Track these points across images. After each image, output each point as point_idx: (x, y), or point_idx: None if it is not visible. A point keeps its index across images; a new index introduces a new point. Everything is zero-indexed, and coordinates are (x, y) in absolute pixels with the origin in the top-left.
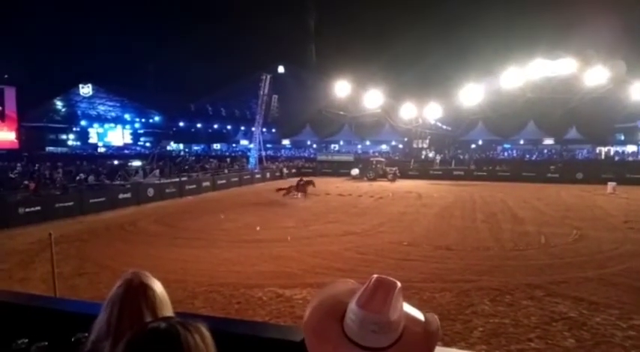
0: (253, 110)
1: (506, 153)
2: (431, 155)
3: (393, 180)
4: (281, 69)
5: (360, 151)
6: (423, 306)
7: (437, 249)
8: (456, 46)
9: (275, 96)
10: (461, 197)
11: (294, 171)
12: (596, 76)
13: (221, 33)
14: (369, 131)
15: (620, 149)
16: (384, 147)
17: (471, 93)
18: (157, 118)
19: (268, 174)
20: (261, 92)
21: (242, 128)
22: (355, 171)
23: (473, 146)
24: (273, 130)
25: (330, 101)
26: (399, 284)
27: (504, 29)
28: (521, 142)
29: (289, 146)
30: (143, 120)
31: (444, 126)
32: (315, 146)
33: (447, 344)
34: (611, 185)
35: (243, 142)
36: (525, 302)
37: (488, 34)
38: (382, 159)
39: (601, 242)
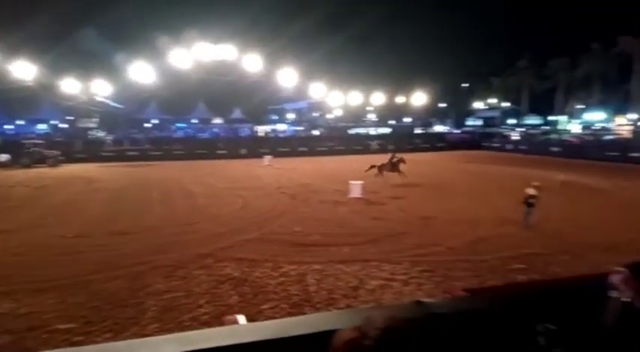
0: None
1: (180, 132)
2: (101, 135)
3: (54, 165)
4: None
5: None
6: (91, 299)
7: (110, 236)
8: (119, 21)
9: None
10: (136, 178)
11: None
12: (253, 62)
13: None
14: (21, 108)
15: (274, 127)
16: (42, 126)
17: (142, 71)
18: None
19: None
20: None
21: None
22: (4, 157)
23: (147, 125)
24: None
25: None
26: None
27: (171, 9)
28: (195, 121)
29: None
30: None
31: (115, 104)
32: None
33: (118, 332)
34: (267, 158)
35: None
36: (197, 272)
37: (152, 14)
38: (40, 142)
39: (260, 207)
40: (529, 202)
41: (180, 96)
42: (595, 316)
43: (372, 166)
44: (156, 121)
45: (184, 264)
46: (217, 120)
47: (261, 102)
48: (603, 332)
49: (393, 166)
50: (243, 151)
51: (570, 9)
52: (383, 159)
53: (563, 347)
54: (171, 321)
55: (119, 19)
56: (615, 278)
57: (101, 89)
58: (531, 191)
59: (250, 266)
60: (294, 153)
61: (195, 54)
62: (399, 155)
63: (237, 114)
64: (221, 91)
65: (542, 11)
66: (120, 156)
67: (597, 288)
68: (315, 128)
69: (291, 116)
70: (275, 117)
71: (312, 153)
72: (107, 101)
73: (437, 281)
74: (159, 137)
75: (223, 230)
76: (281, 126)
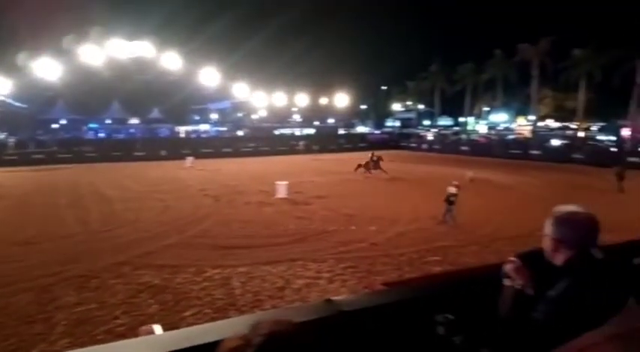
0: None
1: (93, 134)
2: (2, 137)
3: None
4: None
5: None
6: None
7: (14, 246)
8: (22, 14)
9: None
10: (42, 183)
11: None
12: (172, 60)
13: None
14: None
15: (196, 127)
16: None
17: (47, 68)
18: None
19: None
20: None
21: None
22: None
23: (55, 126)
24: None
25: None
26: None
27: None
28: (109, 122)
29: None
30: None
31: (17, 104)
32: None
33: (26, 350)
34: (189, 159)
35: None
36: (112, 282)
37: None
38: None
39: (182, 210)
40: (450, 200)
41: (92, 95)
42: (491, 303)
43: (359, 166)
44: (64, 122)
45: (98, 273)
46: (134, 121)
47: (181, 101)
48: (499, 318)
49: (375, 164)
50: (164, 153)
51: (477, 18)
52: (311, 158)
53: (463, 335)
54: (84, 335)
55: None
56: (508, 268)
57: (0, 87)
58: (452, 190)
59: (171, 272)
60: (217, 155)
61: (109, 50)
62: (377, 153)
63: (155, 113)
64: (137, 90)
65: (452, 19)
66: (24, 160)
67: (495, 278)
68: (239, 128)
69: (214, 116)
70: (197, 117)
71: (236, 154)
72: (8, 100)
73: (360, 277)
74: (68, 138)
75: (142, 236)
76: (204, 127)
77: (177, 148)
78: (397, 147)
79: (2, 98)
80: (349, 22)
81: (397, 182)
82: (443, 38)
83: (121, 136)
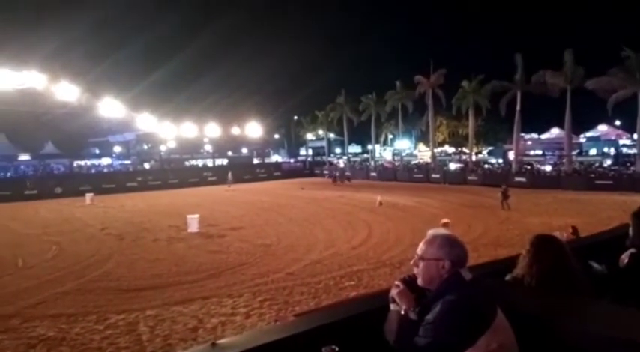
0: None
1: None
2: None
3: None
4: None
5: None
6: None
7: None
8: None
9: None
10: None
11: None
12: (66, 91)
13: None
14: None
15: (96, 162)
16: None
17: None
18: None
19: None
20: None
21: None
22: None
23: None
24: None
25: None
26: None
27: None
28: None
29: None
30: None
31: None
32: None
33: None
34: (89, 196)
35: None
36: None
37: None
38: None
39: (79, 253)
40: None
41: None
42: (379, 330)
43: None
44: None
45: None
46: (24, 156)
47: (78, 134)
48: (386, 344)
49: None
50: (59, 190)
51: (379, 53)
52: (224, 189)
53: None
54: None
55: None
56: (393, 292)
57: None
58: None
59: (68, 322)
60: (121, 190)
61: None
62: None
63: (49, 148)
64: (27, 123)
65: (357, 52)
66: None
67: (383, 303)
68: (146, 161)
69: (117, 149)
70: (97, 150)
71: (143, 188)
72: None
73: (277, 309)
74: None
75: (32, 283)
76: (105, 160)
77: (74, 185)
78: (311, 174)
79: None
80: (258, 54)
81: (311, 209)
82: (349, 70)
83: (9, 174)
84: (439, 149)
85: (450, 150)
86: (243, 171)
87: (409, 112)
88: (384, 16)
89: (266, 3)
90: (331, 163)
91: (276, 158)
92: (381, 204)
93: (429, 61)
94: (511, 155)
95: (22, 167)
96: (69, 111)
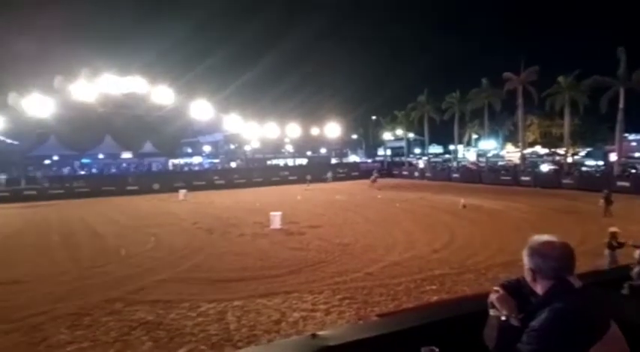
0: None
1: (86, 169)
2: None
3: None
4: None
5: None
6: None
7: (1, 286)
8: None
9: None
10: (33, 220)
11: None
12: (164, 95)
13: None
14: None
15: (188, 160)
16: None
17: (38, 105)
18: None
19: None
20: None
21: None
22: None
23: (47, 162)
24: None
25: None
26: None
27: (72, 41)
28: (101, 156)
29: None
30: None
31: (8, 140)
32: None
33: None
34: (182, 192)
35: None
36: (105, 319)
37: (53, 46)
38: None
39: (174, 244)
40: (614, 244)
41: (84, 131)
42: (477, 334)
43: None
44: (56, 157)
45: (90, 310)
46: (127, 155)
47: (173, 135)
48: (485, 349)
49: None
50: (156, 186)
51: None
52: (304, 188)
53: None
54: None
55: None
56: (492, 298)
57: None
58: (613, 228)
59: (165, 308)
60: (210, 187)
61: (101, 86)
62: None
63: (148, 147)
64: (129, 124)
65: (441, 50)
66: (15, 197)
67: (481, 308)
68: (232, 160)
69: (207, 148)
70: (189, 150)
71: (229, 185)
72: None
73: (357, 308)
74: (60, 174)
75: (134, 271)
76: (197, 159)
77: (169, 181)
78: (390, 175)
79: None
80: (340, 55)
81: (390, 209)
82: (431, 68)
83: (114, 171)
84: (529, 150)
85: (542, 151)
86: (321, 170)
87: (496, 111)
88: (469, 11)
89: (347, 6)
90: (411, 164)
91: (353, 158)
92: (464, 206)
93: (517, 57)
94: (613, 157)
95: (124, 165)
96: (165, 114)
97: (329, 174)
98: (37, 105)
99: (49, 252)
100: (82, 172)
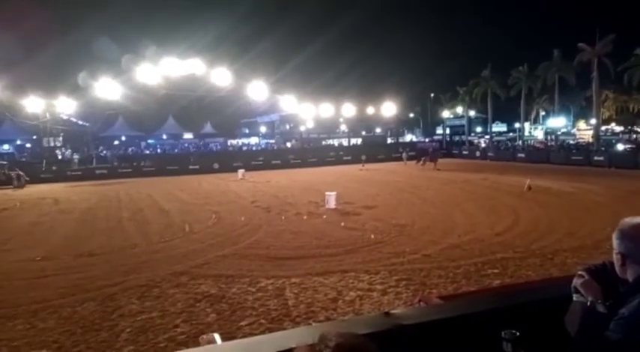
0: None
1: (150, 149)
2: (67, 154)
3: (19, 186)
4: None
5: None
6: (62, 324)
7: (78, 258)
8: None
9: None
10: (105, 197)
11: None
12: (222, 77)
13: None
14: None
15: (246, 141)
16: (5, 147)
17: (108, 88)
18: None
19: None
20: None
21: None
22: None
23: (116, 142)
24: None
25: None
26: None
27: (134, 25)
28: (164, 137)
29: None
30: None
31: (80, 122)
32: None
33: None
34: (240, 171)
35: None
36: (172, 291)
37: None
38: (3, 162)
39: (234, 222)
40: None
41: (149, 112)
42: (559, 320)
43: (418, 160)
44: (124, 138)
45: (158, 283)
46: (188, 135)
47: (232, 115)
48: (567, 335)
49: (427, 160)
50: (216, 166)
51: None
52: (358, 168)
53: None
54: (147, 343)
55: (85, 36)
56: (577, 282)
57: (65, 107)
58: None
59: (227, 282)
60: (267, 166)
61: (163, 69)
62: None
63: (208, 128)
64: (190, 106)
65: (505, 22)
66: (87, 175)
67: (558, 292)
68: (287, 140)
69: (263, 129)
70: (247, 130)
71: (285, 165)
72: (72, 119)
73: (414, 290)
74: (127, 154)
75: (197, 247)
76: (254, 140)
77: (228, 161)
78: (448, 155)
79: (67, 117)
80: (397, 31)
81: (449, 190)
82: (495, 41)
83: (176, 151)
84: (604, 127)
85: (618, 128)
86: (376, 150)
87: (568, 85)
88: None
89: None
90: (471, 143)
91: (410, 137)
92: (530, 188)
93: (590, 27)
94: None
95: (185, 145)
96: (224, 95)
97: (404, 155)
98: (107, 88)
99: (120, 227)
100: (147, 152)
